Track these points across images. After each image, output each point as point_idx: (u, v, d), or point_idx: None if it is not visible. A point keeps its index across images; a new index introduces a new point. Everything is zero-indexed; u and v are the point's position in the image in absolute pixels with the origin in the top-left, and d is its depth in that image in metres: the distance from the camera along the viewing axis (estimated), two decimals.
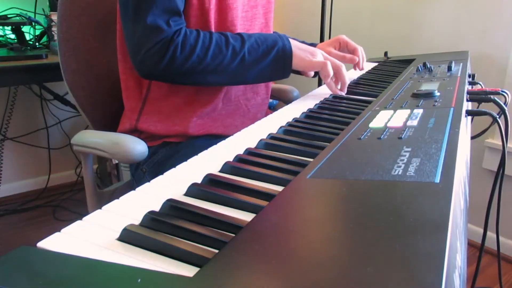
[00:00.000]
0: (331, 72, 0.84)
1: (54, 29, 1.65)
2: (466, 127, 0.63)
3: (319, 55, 0.86)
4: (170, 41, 0.75)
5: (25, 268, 0.29)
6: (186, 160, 0.53)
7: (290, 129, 0.63)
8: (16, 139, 2.06)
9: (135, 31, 0.76)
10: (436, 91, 0.70)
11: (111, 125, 1.02)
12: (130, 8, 0.76)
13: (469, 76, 0.91)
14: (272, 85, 1.15)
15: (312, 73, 0.91)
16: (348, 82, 0.89)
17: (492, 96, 0.72)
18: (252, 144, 0.57)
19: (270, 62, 0.82)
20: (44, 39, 1.69)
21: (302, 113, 0.72)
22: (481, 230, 0.82)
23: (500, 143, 0.75)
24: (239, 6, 0.88)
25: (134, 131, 0.91)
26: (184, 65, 0.77)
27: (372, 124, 0.57)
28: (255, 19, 0.95)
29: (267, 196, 0.41)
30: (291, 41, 0.85)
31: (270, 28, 1.00)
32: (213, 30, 0.85)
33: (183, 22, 0.79)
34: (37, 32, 1.70)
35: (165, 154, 0.88)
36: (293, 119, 0.69)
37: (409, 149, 0.45)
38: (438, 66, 1.00)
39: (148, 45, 0.75)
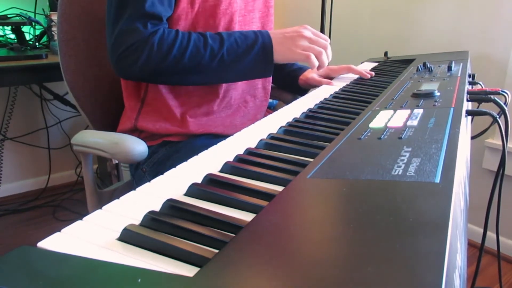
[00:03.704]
0: (316, 63, 0.83)
1: (54, 29, 1.65)
2: (466, 127, 0.63)
3: (302, 41, 0.83)
4: (145, 42, 0.76)
5: (25, 268, 0.29)
6: (186, 159, 0.53)
7: (290, 129, 0.63)
8: (16, 139, 2.05)
9: (112, 34, 0.77)
10: (436, 91, 0.70)
11: (111, 125, 1.02)
12: (112, 11, 0.78)
13: (469, 76, 0.91)
14: (272, 85, 1.15)
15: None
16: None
17: (492, 96, 0.72)
18: (252, 144, 0.57)
19: (250, 61, 0.81)
20: (44, 39, 1.69)
21: (302, 113, 0.72)
22: (481, 230, 0.82)
23: (500, 143, 0.76)
24: (235, 12, 0.88)
25: (134, 131, 0.91)
26: (160, 65, 0.77)
27: (372, 124, 0.57)
28: (252, 23, 0.95)
29: (267, 196, 0.41)
30: (273, 35, 0.83)
31: (270, 30, 0.99)
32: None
33: (163, 24, 0.80)
34: (37, 32, 1.70)
35: (165, 154, 0.88)
36: (293, 119, 0.69)
37: (409, 149, 0.45)
38: (438, 66, 1.00)
39: (123, 47, 0.76)
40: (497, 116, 0.64)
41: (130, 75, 0.81)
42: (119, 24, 0.76)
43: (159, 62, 0.77)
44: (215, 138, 0.87)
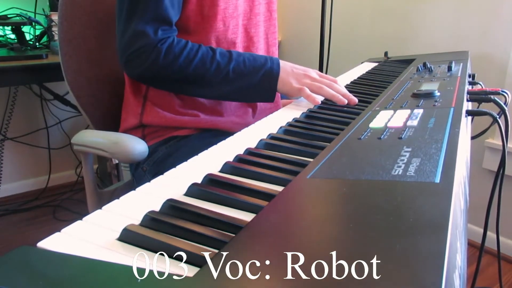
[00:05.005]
0: (312, 95, 0.78)
1: (54, 29, 1.65)
2: (466, 127, 0.63)
3: (304, 79, 0.82)
4: (154, 48, 0.77)
5: (25, 268, 0.29)
6: (186, 159, 0.53)
7: (290, 129, 0.63)
8: (16, 139, 2.06)
9: (124, 33, 0.79)
10: (436, 91, 0.70)
11: (112, 124, 1.02)
12: (124, 11, 0.79)
13: (469, 76, 0.91)
14: None
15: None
16: (338, 94, 0.79)
17: (492, 96, 0.72)
18: (252, 144, 0.57)
19: (255, 84, 0.81)
20: (44, 39, 1.69)
21: (302, 113, 0.72)
22: (481, 230, 0.82)
23: (500, 143, 0.76)
24: (239, 15, 0.90)
25: (139, 126, 0.91)
26: (163, 72, 0.79)
27: (372, 124, 0.57)
28: (258, 26, 0.95)
29: (267, 196, 0.41)
30: (283, 65, 0.82)
31: (273, 33, 1.01)
32: (213, 37, 0.86)
33: (173, 31, 0.81)
34: (37, 32, 1.70)
35: (165, 153, 0.88)
36: (293, 119, 0.69)
37: (409, 149, 0.45)
38: (438, 66, 1.00)
39: (133, 49, 0.78)
40: (497, 116, 0.64)
41: (134, 76, 0.83)
42: (131, 24, 0.78)
43: (163, 69, 0.78)
44: (219, 135, 0.88)
